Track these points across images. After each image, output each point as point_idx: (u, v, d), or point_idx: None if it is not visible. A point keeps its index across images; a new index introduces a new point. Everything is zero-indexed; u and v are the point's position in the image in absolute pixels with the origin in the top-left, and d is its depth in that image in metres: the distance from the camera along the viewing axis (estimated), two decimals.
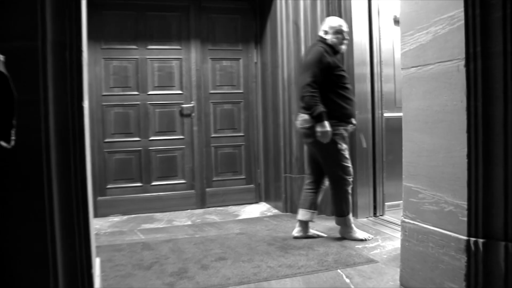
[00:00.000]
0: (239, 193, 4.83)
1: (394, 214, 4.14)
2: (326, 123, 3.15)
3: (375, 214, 4.09)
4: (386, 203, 4.16)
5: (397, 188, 4.31)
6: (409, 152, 2.36)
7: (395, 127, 4.21)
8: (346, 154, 3.33)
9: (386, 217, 4.06)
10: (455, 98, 2.03)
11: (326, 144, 3.20)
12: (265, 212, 4.44)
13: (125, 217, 4.37)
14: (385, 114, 4.09)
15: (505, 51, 1.88)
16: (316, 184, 3.43)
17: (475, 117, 1.96)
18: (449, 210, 2.08)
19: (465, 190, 2.00)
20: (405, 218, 2.39)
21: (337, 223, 3.43)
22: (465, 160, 1.99)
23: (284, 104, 4.32)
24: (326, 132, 3.16)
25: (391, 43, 4.24)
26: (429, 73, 2.17)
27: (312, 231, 3.46)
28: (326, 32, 3.38)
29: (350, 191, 3.37)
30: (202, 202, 4.70)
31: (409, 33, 2.30)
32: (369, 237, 3.38)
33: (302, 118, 3.29)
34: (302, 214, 3.41)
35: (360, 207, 4.04)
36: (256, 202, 4.87)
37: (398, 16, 4.46)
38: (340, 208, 3.37)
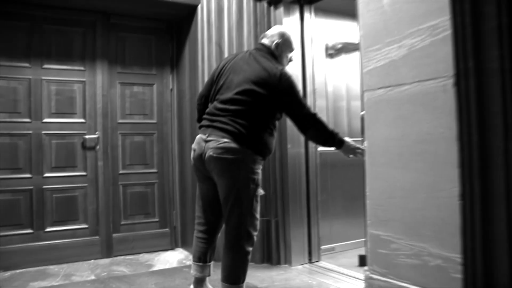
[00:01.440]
0: (152, 238, 4.14)
1: (330, 259, 3.72)
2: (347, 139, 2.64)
3: (310, 260, 3.64)
4: (321, 247, 3.73)
5: (331, 230, 3.94)
6: (376, 192, 1.94)
7: (328, 162, 3.87)
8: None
9: (323, 263, 3.62)
10: (441, 124, 1.65)
11: (245, 183, 2.46)
12: (184, 261, 3.81)
13: (8, 273, 3.50)
14: (319, 149, 3.72)
15: (503, 67, 1.53)
16: (211, 234, 2.70)
17: (469, 148, 1.58)
18: (436, 264, 1.66)
19: (456, 239, 1.60)
20: (372, 273, 1.94)
21: None
22: (456, 201, 1.59)
23: None
24: (357, 146, 2.63)
25: (323, 74, 3.93)
26: (404, 95, 1.79)
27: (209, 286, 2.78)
28: (277, 46, 2.70)
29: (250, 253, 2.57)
30: (108, 250, 3.95)
31: (374, 47, 1.91)
32: None
33: (222, 142, 2.46)
34: (195, 269, 2.71)
35: (294, 252, 3.57)
36: (172, 249, 4.21)
37: (330, 44, 4.28)
38: (236, 274, 2.50)
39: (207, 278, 2.76)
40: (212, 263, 2.75)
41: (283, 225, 3.61)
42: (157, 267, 3.66)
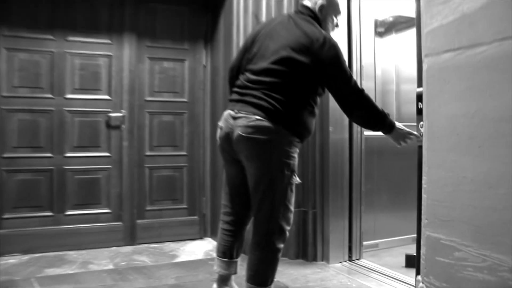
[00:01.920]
0: (179, 226, 3.86)
1: (373, 258, 3.32)
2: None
3: (350, 258, 3.25)
4: (363, 243, 3.33)
5: (375, 224, 3.52)
6: (437, 184, 1.52)
7: (375, 149, 3.45)
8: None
9: (364, 261, 3.22)
10: None
11: (278, 169, 2.10)
12: (211, 252, 3.50)
13: (26, 257, 3.30)
14: (365, 133, 3.30)
15: None
16: (238, 226, 2.36)
17: None
18: None
19: None
20: (427, 286, 1.54)
21: None
22: None
23: None
24: (409, 132, 2.28)
25: (372, 53, 3.49)
26: (479, 59, 1.36)
27: (234, 286, 2.43)
28: (321, 8, 2.28)
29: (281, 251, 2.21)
30: (131, 237, 3.70)
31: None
32: None
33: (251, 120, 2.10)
34: (220, 266, 2.36)
35: (333, 248, 3.19)
36: (200, 238, 3.92)
37: (379, 20, 3.84)
38: (264, 275, 2.16)
39: (233, 276, 2.42)
40: (239, 259, 2.41)
41: (322, 217, 3.24)
42: (182, 258, 3.37)
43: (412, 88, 2.58)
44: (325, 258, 3.21)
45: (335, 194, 3.20)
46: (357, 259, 3.26)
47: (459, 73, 1.44)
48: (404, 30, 3.85)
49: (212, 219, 3.92)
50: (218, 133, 2.27)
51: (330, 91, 2.20)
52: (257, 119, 2.06)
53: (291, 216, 2.19)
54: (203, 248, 3.62)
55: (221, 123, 2.24)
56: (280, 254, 2.19)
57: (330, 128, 3.17)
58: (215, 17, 3.91)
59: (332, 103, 2.79)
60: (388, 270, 3.02)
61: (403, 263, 3.20)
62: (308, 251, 3.26)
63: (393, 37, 3.88)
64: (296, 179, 2.18)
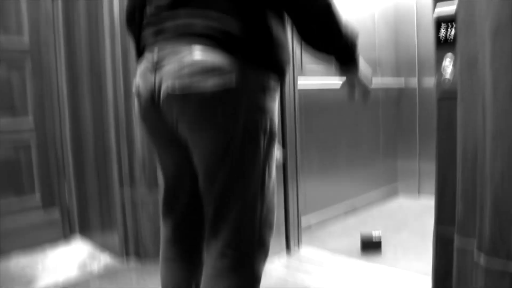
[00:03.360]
0: (31, 228, 2.64)
1: (315, 244, 2.56)
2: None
3: (288, 250, 2.45)
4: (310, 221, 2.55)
5: (306, 197, 2.75)
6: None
7: (303, 105, 2.64)
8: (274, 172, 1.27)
9: (307, 252, 2.46)
10: None
11: (248, 136, 1.14)
12: (88, 263, 2.40)
13: None
14: (299, 83, 2.46)
15: None
16: (192, 250, 1.37)
17: None
18: None
19: None
20: None
21: None
22: None
23: (115, 63, 2.33)
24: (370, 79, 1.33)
25: None
26: None
27: None
28: None
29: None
30: None
31: None
32: None
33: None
34: None
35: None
36: (65, 240, 2.75)
37: None
38: None
39: None
40: None
41: None
42: (43, 283, 2.20)
43: None
44: None
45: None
46: (297, 250, 2.47)
47: None
48: None
49: (80, 212, 2.77)
50: (136, 101, 1.27)
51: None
52: (198, 54, 1.10)
53: (274, 217, 1.25)
54: (73, 258, 2.49)
55: (138, 83, 1.24)
56: (259, 284, 1.24)
57: None
58: None
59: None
60: (345, 259, 2.30)
61: (354, 246, 2.52)
62: None
63: None
64: (278, 153, 1.26)
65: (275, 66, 1.18)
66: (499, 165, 1.31)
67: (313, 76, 2.72)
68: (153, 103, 1.18)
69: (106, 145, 2.39)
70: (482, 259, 1.36)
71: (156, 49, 1.17)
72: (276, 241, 2.37)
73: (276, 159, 1.24)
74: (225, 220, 1.17)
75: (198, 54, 1.09)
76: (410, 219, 3.05)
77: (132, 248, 2.41)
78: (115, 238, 2.42)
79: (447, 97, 1.54)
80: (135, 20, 1.33)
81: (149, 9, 1.25)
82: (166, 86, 1.12)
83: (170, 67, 1.12)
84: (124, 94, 2.31)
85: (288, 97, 2.37)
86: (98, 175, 2.52)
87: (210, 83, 1.08)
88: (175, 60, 1.11)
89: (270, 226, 1.23)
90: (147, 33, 1.24)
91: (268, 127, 1.16)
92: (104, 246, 2.56)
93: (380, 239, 2.48)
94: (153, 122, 1.26)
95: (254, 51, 1.13)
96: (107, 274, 2.26)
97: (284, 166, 2.41)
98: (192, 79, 1.08)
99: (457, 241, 1.52)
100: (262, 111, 1.15)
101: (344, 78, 1.32)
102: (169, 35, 1.16)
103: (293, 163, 2.44)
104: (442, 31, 1.48)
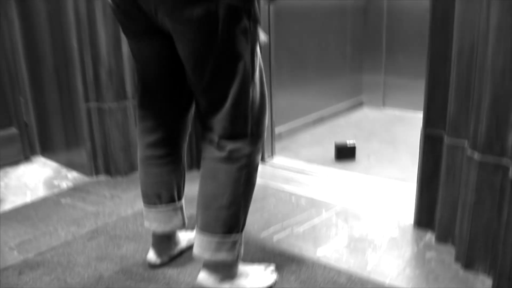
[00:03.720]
0: None
1: (286, 153, 2.54)
2: None
3: (262, 156, 2.41)
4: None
5: (275, 108, 2.68)
6: None
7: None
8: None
9: (281, 159, 2.43)
10: None
11: (235, 17, 1.10)
12: (55, 181, 2.28)
13: None
14: None
15: None
16: (173, 146, 1.39)
17: None
18: None
19: None
20: None
21: (212, 249, 1.25)
22: None
23: None
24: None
25: None
26: None
27: (187, 241, 1.56)
28: None
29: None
30: None
31: None
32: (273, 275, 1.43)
33: None
34: (153, 219, 1.42)
35: None
36: (27, 159, 2.59)
37: None
38: (235, 214, 1.24)
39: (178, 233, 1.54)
40: (183, 201, 1.47)
41: None
42: (9, 202, 2.08)
43: None
44: None
45: None
46: (271, 159, 2.45)
47: None
48: None
49: (40, 127, 2.59)
50: None
51: None
52: None
53: (266, 102, 1.26)
54: (38, 176, 2.35)
55: None
56: (256, 174, 1.27)
57: None
58: None
59: None
60: (321, 168, 2.30)
61: (327, 155, 2.53)
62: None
63: None
64: (262, 36, 1.24)
65: None
66: (500, 62, 1.27)
67: None
68: None
69: (67, 53, 2.18)
70: (476, 155, 1.36)
71: None
72: None
73: (262, 42, 1.23)
74: (219, 112, 1.18)
75: None
76: (378, 129, 3.08)
77: (102, 165, 2.30)
78: (83, 155, 2.29)
79: None
80: None
81: None
82: None
83: None
84: None
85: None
86: (59, 88, 2.32)
87: None
88: None
89: (263, 109, 1.24)
90: None
91: (252, 10, 1.14)
92: (70, 165, 2.43)
93: (355, 145, 2.49)
94: (128, 12, 1.21)
95: None
96: (77, 189, 2.16)
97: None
98: None
99: (447, 141, 1.52)
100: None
101: None
102: None
103: (267, 72, 2.34)
104: None
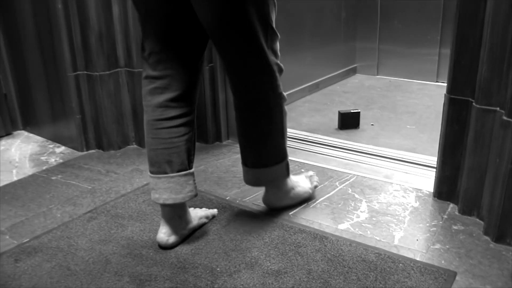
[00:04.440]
0: None
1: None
2: None
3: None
4: None
5: None
6: None
7: None
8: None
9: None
10: None
11: None
12: (42, 157, 2.11)
13: None
14: None
15: None
16: (187, 98, 1.32)
17: None
18: None
19: None
20: None
21: (265, 178, 1.49)
22: None
23: None
24: None
25: None
26: None
27: (198, 219, 1.46)
28: None
29: None
30: None
31: None
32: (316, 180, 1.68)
33: None
34: (164, 189, 1.31)
35: None
36: (8, 134, 2.40)
37: None
38: (277, 146, 1.45)
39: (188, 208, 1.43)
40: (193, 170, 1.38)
41: (223, 73, 2.12)
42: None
43: None
44: (233, 134, 2.18)
45: None
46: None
47: None
48: None
49: (21, 100, 2.40)
50: None
51: None
52: None
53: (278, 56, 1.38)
54: (23, 152, 2.18)
55: None
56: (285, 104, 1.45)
57: None
58: None
59: None
60: (330, 139, 2.19)
61: (330, 123, 2.43)
62: (207, 128, 2.16)
63: None
64: None
65: None
66: None
67: None
68: None
69: (50, 16, 1.98)
70: None
71: None
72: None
73: None
74: (241, 50, 1.27)
75: None
76: (376, 96, 2.98)
77: (93, 139, 2.13)
78: (71, 128, 2.12)
79: None
80: None
81: None
82: None
83: None
84: None
85: None
86: (43, 55, 2.12)
87: None
88: None
89: (276, 51, 1.36)
90: None
91: None
92: (57, 139, 2.26)
93: (359, 112, 2.39)
94: None
95: None
96: (68, 165, 1.99)
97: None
98: None
99: (477, 106, 1.41)
100: None
101: None
102: None
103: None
104: None
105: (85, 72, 2.03)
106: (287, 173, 1.52)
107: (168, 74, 1.28)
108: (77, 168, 1.96)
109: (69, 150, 2.16)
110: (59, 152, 2.14)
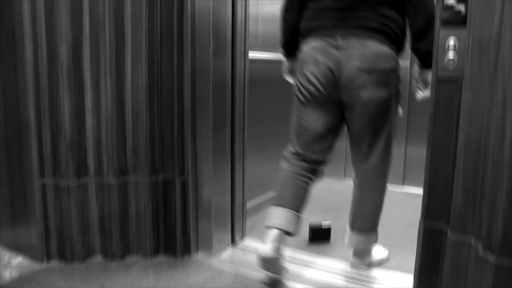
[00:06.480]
0: None
1: (254, 233, 2.37)
2: None
3: (233, 240, 2.23)
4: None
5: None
6: None
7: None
8: None
9: (251, 243, 2.26)
10: None
11: (397, 97, 1.88)
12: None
13: None
14: (251, 56, 2.21)
15: None
16: (312, 174, 1.93)
17: None
18: None
19: None
20: None
21: (363, 242, 2.02)
22: None
23: (36, 21, 1.88)
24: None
25: None
26: None
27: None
28: None
29: None
30: None
31: None
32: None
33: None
34: (282, 217, 1.81)
35: (216, 230, 2.11)
36: None
37: None
38: (376, 217, 2.01)
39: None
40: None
41: (195, 186, 2.09)
42: None
43: None
44: (204, 247, 2.11)
45: (217, 146, 2.07)
46: (241, 239, 2.27)
47: None
48: None
49: None
50: (312, 70, 1.79)
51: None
52: (378, 45, 1.73)
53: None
54: None
55: (313, 56, 1.78)
56: None
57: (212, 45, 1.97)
58: None
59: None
60: (298, 255, 2.15)
61: (300, 235, 2.39)
62: (176, 240, 2.09)
63: None
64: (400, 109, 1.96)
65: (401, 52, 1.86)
66: None
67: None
68: (330, 75, 1.76)
69: (22, 123, 1.94)
70: (490, 257, 1.27)
71: (338, 33, 1.74)
72: (223, 233, 2.16)
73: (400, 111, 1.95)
74: (376, 148, 1.89)
75: (377, 46, 1.72)
76: (344, 204, 2.98)
77: (55, 248, 2.01)
78: (32, 236, 2.00)
79: (449, 80, 1.41)
80: (294, 9, 1.89)
81: (320, 3, 1.80)
82: (355, 63, 1.71)
83: (356, 51, 1.71)
84: (47, 58, 1.88)
85: (238, 70, 2.13)
86: (8, 159, 2.05)
87: (386, 64, 1.75)
88: (361, 47, 1.71)
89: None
90: (323, 16, 1.78)
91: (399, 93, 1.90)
92: (15, 247, 2.12)
93: (330, 226, 2.37)
94: (324, 89, 1.79)
95: (400, 44, 1.82)
96: (25, 280, 1.85)
97: (232, 149, 2.18)
98: (375, 61, 1.72)
99: (452, 237, 1.42)
100: (399, 79, 1.86)
101: (421, 72, 1.84)
102: (354, 26, 1.73)
103: (241, 144, 2.21)
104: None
105: (53, 180, 1.96)
106: (373, 240, 2.07)
107: (310, 157, 1.92)
108: (36, 283, 1.82)
109: (27, 261, 2.02)
110: (15, 265, 1.99)
